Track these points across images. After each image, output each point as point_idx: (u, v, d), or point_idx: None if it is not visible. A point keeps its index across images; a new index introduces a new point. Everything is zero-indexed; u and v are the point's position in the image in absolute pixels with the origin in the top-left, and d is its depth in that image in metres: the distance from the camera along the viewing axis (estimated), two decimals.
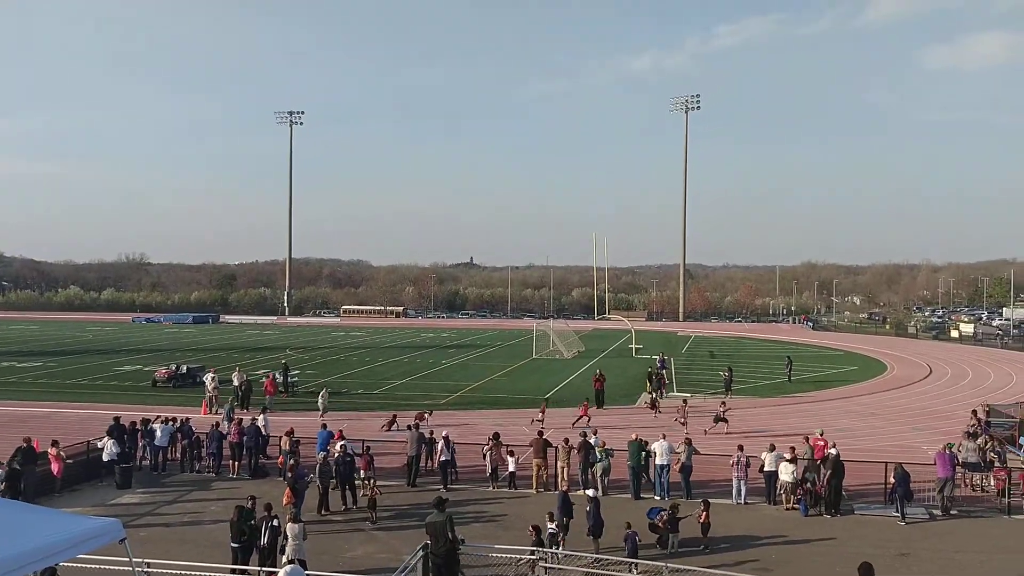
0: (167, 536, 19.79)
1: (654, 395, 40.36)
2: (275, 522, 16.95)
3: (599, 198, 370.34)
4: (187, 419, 28.02)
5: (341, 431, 26.26)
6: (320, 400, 37.00)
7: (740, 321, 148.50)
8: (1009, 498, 22.26)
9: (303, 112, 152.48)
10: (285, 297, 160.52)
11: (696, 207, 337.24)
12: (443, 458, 24.58)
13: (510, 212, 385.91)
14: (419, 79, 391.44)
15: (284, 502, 19.81)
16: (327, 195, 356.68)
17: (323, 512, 21.74)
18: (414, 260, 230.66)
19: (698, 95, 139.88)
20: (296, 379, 46.65)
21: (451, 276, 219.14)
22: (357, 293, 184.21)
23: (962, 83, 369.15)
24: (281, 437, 25.73)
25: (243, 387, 38.87)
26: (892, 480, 21.67)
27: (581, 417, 34.66)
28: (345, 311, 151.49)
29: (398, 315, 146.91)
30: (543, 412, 34.64)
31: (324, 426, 26.91)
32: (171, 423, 27.19)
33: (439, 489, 23.56)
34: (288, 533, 16.70)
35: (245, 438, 26.09)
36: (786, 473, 22.57)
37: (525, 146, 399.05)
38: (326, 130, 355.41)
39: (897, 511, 21.43)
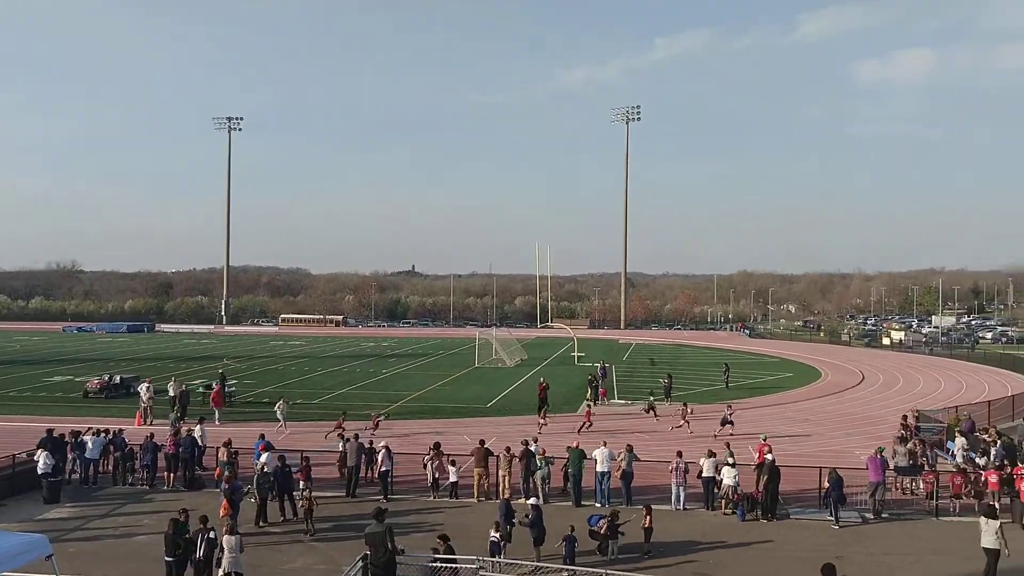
0: (98, 551, 19.24)
1: (591, 403, 40.81)
2: (211, 534, 16.61)
3: (542, 207, 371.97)
4: (120, 430, 27.33)
5: (266, 443, 25.69)
6: (279, 411, 36.20)
7: (679, 329, 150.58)
8: (937, 500, 22.93)
9: (242, 118, 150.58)
10: (223, 306, 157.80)
11: (637, 216, 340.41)
12: (383, 468, 24.38)
13: (453, 220, 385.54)
14: (359, 87, 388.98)
15: (221, 514, 19.44)
16: (266, 202, 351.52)
17: (261, 524, 21.40)
18: (354, 268, 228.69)
19: (638, 106, 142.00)
20: (233, 389, 45.84)
21: (392, 284, 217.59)
22: (296, 302, 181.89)
23: (892, 98, 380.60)
24: (218, 448, 25.25)
25: (180, 397, 38.05)
26: (827, 484, 22.15)
27: (584, 424, 35.26)
28: (284, 320, 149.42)
29: (338, 324, 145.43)
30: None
31: (262, 436, 26.46)
32: (103, 435, 26.48)
33: (379, 499, 23.35)
34: (224, 545, 16.38)
35: (181, 449, 25.53)
36: (729, 477, 22.91)
37: (468, 155, 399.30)
38: (266, 136, 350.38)
39: (831, 515, 21.90)
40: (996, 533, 17.41)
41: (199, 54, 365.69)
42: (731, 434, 33.02)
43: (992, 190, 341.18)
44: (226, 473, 22.02)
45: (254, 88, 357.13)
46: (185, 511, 17.76)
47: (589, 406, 40.00)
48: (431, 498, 24.15)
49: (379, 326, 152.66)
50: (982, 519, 17.96)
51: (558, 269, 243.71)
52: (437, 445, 25.40)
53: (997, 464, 24.80)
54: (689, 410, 36.53)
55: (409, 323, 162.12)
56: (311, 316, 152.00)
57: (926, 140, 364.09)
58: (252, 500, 22.08)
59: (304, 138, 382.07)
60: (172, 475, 25.46)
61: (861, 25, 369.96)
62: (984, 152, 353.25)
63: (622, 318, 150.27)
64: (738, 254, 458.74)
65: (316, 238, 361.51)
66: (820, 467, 23.38)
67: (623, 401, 45.80)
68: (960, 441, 27.77)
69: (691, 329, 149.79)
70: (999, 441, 27.40)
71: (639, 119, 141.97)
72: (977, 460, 26.81)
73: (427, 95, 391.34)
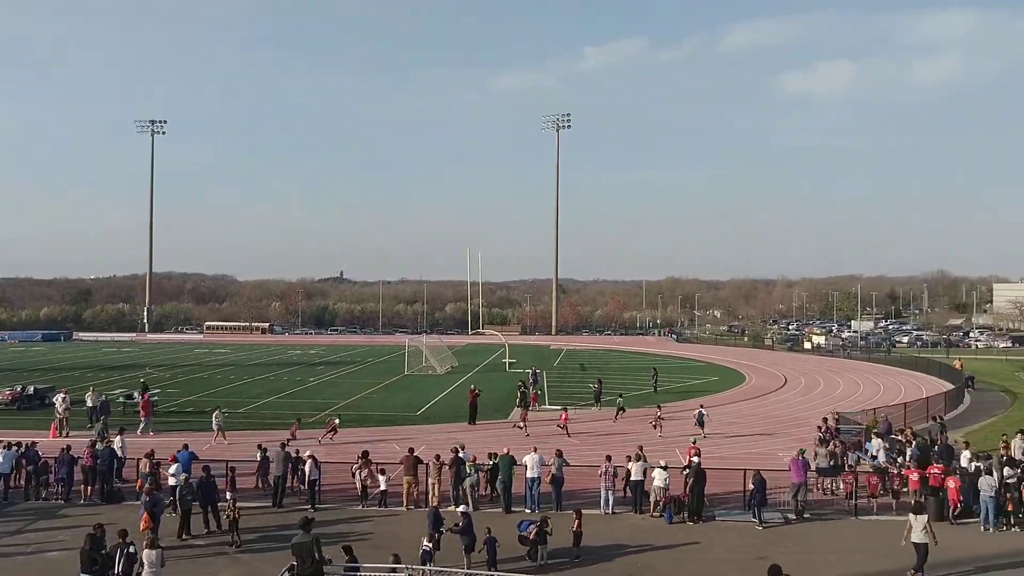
0: (8, 569, 18.47)
1: (521, 408, 40.93)
2: (131, 549, 16.11)
3: (474, 213, 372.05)
4: (33, 443, 26.31)
5: (190, 453, 25.05)
6: (215, 420, 35.29)
7: (609, 334, 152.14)
8: (856, 500, 23.60)
9: (165, 122, 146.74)
10: (145, 313, 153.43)
11: (568, 223, 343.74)
12: (311, 477, 24.01)
13: (382, 226, 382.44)
14: (287, 90, 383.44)
15: (141, 527, 18.89)
16: (191, 207, 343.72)
17: (184, 536, 20.84)
18: (281, 275, 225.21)
19: (568, 114, 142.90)
20: (156, 399, 44.58)
21: (320, 291, 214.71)
22: (221, 309, 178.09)
23: (814, 109, 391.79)
24: (139, 459, 24.52)
25: (100, 408, 36.85)
26: (751, 486, 22.60)
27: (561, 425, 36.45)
28: (209, 327, 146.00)
29: (264, 331, 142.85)
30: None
31: (186, 447, 25.77)
32: (14, 448, 25.45)
33: (306, 509, 22.97)
34: (145, 560, 15.90)
35: (98, 461, 24.70)
36: (659, 479, 23.20)
37: (399, 160, 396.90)
38: (191, 141, 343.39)
39: (755, 516, 22.35)
40: (924, 528, 18.24)
41: (124, 58, 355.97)
42: (660, 436, 33.60)
43: (909, 199, 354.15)
44: (147, 485, 21.40)
45: (179, 92, 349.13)
46: (101, 525, 17.18)
47: (620, 406, 41.24)
48: (360, 507, 23.87)
49: (306, 333, 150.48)
50: (911, 515, 18.77)
51: (489, 275, 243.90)
52: (365, 454, 25.16)
53: (914, 463, 25.64)
54: (660, 413, 37.64)
55: (337, 330, 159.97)
56: (237, 323, 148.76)
57: (846, 150, 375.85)
58: (173, 513, 21.51)
59: (231, 142, 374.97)
60: (89, 488, 24.60)
61: (785, 38, 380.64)
62: (902, 162, 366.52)
63: (553, 324, 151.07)
64: (666, 261, 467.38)
65: (242, 244, 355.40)
66: (744, 469, 23.85)
67: (555, 407, 45.95)
68: (877, 442, 28.65)
69: (621, 334, 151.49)
70: (914, 442, 28.36)
71: (569, 127, 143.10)
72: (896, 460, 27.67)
73: (357, 99, 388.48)
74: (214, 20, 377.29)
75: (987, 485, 22.04)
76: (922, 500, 21.54)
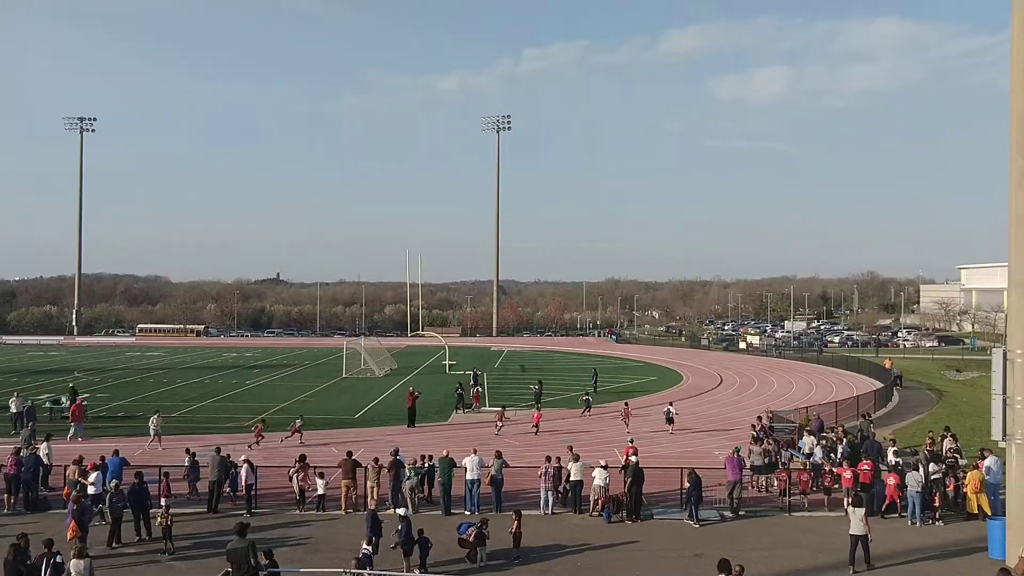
0: None
1: (463, 410, 40.93)
2: (58, 559, 15.63)
3: (413, 214, 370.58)
4: None
5: (95, 462, 24.38)
6: (152, 425, 34.42)
7: (550, 335, 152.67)
8: (790, 497, 24.10)
9: (95, 119, 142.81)
10: (74, 315, 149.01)
11: (508, 224, 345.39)
12: (248, 482, 23.59)
13: (319, 227, 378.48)
14: (225, 89, 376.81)
15: (68, 536, 18.32)
16: (123, 208, 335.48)
17: (114, 545, 20.28)
18: (216, 276, 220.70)
19: (508, 115, 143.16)
20: (85, 403, 43.29)
21: (256, 293, 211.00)
22: (154, 311, 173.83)
23: (749, 113, 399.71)
24: (67, 466, 23.79)
25: (26, 413, 35.68)
26: (687, 484, 22.90)
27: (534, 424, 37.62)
28: (141, 330, 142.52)
29: (199, 334, 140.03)
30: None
31: (116, 452, 25.09)
32: None
33: (243, 514, 22.57)
34: (72, 570, 15.45)
35: (23, 469, 23.87)
36: (600, 478, 23.36)
37: (337, 159, 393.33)
38: (123, 140, 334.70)
39: (691, 515, 22.64)
40: (862, 520, 18.93)
41: (48, 50, 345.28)
42: (671, 432, 34.28)
43: (840, 202, 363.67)
44: (74, 493, 20.77)
45: (109, 89, 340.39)
46: (24, 535, 16.65)
47: (587, 402, 42.78)
48: (297, 511, 23.54)
49: (242, 336, 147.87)
50: (850, 508, 19.63)
51: (430, 277, 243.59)
52: (303, 457, 24.84)
53: (846, 461, 26.28)
54: (627, 409, 39.60)
55: (274, 333, 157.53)
56: (170, 326, 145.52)
57: (779, 154, 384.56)
58: (102, 522, 20.91)
59: (164, 141, 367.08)
60: (12, 497, 23.76)
61: (721, 44, 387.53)
62: (833, 166, 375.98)
63: (494, 325, 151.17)
64: (606, 262, 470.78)
65: (176, 245, 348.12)
66: (681, 468, 24.17)
67: (494, 408, 45.94)
68: (808, 440, 29.30)
69: (561, 335, 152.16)
70: (844, 439, 29.09)
71: (509, 128, 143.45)
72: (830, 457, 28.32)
73: (295, 98, 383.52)
74: (150, 16, 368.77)
75: (913, 481, 22.71)
76: (861, 494, 22.10)
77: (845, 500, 24.18)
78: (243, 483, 23.66)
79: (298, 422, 35.85)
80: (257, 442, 33.46)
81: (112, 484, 21.75)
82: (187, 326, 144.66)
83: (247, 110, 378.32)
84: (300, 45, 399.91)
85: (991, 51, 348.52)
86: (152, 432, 33.94)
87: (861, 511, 19.18)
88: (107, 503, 20.92)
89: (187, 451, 26.01)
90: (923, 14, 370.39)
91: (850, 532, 19.02)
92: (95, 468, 23.02)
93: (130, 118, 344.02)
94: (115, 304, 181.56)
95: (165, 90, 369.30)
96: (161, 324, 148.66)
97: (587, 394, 45.70)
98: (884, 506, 23.37)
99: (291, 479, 24.26)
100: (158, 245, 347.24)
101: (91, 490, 21.79)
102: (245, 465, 23.78)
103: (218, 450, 24.91)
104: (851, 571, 18.59)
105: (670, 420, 37.88)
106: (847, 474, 24.32)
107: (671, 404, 39.66)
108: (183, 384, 59.62)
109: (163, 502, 21.28)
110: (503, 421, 38.37)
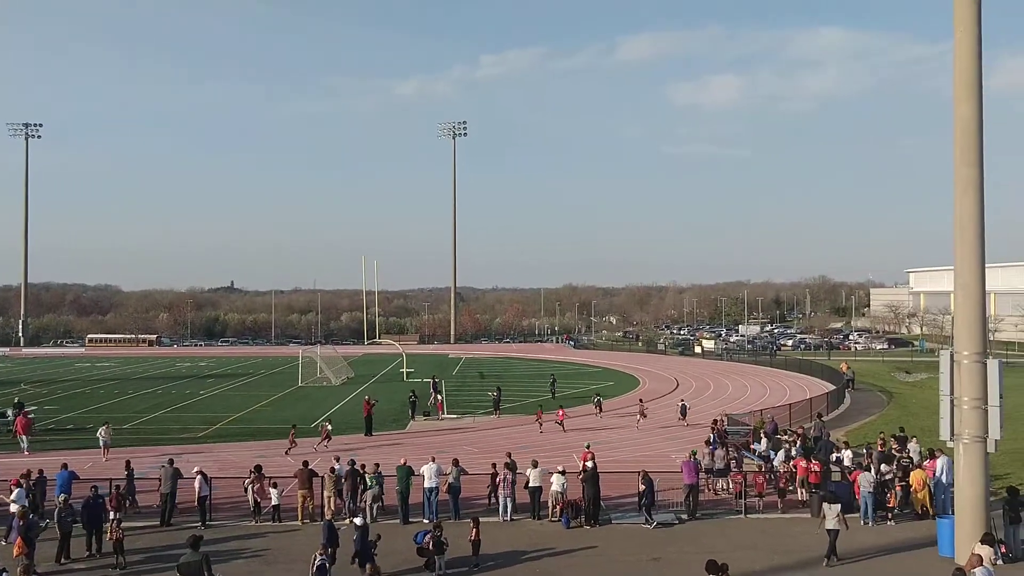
0: None
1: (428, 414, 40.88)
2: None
3: (369, 221, 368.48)
4: None
5: (29, 473, 23.83)
6: (101, 436, 33.65)
7: (508, 342, 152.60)
8: (745, 499, 24.37)
9: (41, 125, 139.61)
10: (20, 326, 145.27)
11: (466, 231, 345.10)
12: (201, 494, 23.20)
13: (274, 234, 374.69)
14: (175, 94, 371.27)
15: (15, 553, 17.86)
16: (71, 215, 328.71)
17: (63, 561, 19.79)
18: (169, 285, 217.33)
19: (464, 122, 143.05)
20: (32, 416, 42.31)
21: (210, 301, 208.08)
22: (105, 321, 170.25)
23: (704, 119, 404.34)
24: (13, 480, 23.17)
25: None
26: (642, 487, 23.03)
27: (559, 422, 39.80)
28: (91, 340, 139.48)
29: (151, 344, 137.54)
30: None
31: (65, 466, 24.51)
32: None
33: (197, 526, 22.20)
34: None
35: None
36: (557, 483, 23.41)
37: (291, 165, 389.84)
38: (72, 146, 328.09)
39: (646, 518, 22.76)
40: (837, 516, 19.71)
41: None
42: (638, 428, 33.91)
43: (793, 208, 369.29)
44: (19, 508, 20.24)
45: (57, 94, 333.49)
46: None
47: (540, 408, 42.94)
48: (252, 523, 23.21)
49: (196, 345, 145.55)
50: (825, 504, 20.26)
51: (386, 284, 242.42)
52: (258, 468, 24.48)
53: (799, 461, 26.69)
54: (642, 407, 42.95)
55: (228, 341, 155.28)
56: (122, 336, 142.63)
57: (733, 159, 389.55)
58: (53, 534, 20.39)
59: (115, 147, 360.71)
60: None
61: (676, 50, 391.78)
62: (785, 172, 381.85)
63: (452, 332, 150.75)
64: (564, 268, 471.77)
65: (127, 253, 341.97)
66: (639, 471, 24.31)
67: (454, 415, 45.89)
68: (762, 442, 29.69)
69: (520, 342, 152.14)
70: (797, 441, 29.50)
71: (466, 134, 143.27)
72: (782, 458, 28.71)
73: (248, 104, 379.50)
74: (96, 21, 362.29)
75: (865, 481, 23.11)
76: (833, 491, 22.52)
77: (800, 493, 24.69)
78: (197, 494, 23.27)
79: (328, 426, 36.29)
80: (290, 448, 33.56)
81: (60, 498, 21.24)
82: (139, 336, 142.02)
83: (200, 114, 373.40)
84: (256, 49, 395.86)
85: (933, 60, 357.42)
86: (102, 443, 33.29)
87: (837, 507, 19.91)
88: (56, 518, 20.41)
89: (126, 464, 25.58)
90: (866, 24, 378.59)
91: (826, 527, 19.69)
92: (17, 485, 22.37)
93: (77, 124, 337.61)
94: (63, 314, 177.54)
95: (115, 95, 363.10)
96: (112, 334, 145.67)
97: (598, 395, 48.69)
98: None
99: (246, 490, 23.92)
100: (108, 254, 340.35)
101: (13, 508, 20.98)
102: (199, 476, 23.39)
103: (171, 461, 24.48)
104: (824, 563, 19.25)
105: (684, 413, 42.08)
106: (802, 463, 24.79)
107: (683, 399, 45.09)
108: (135, 395, 58.51)
109: (112, 516, 20.85)
110: (542, 420, 40.79)
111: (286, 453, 32.91)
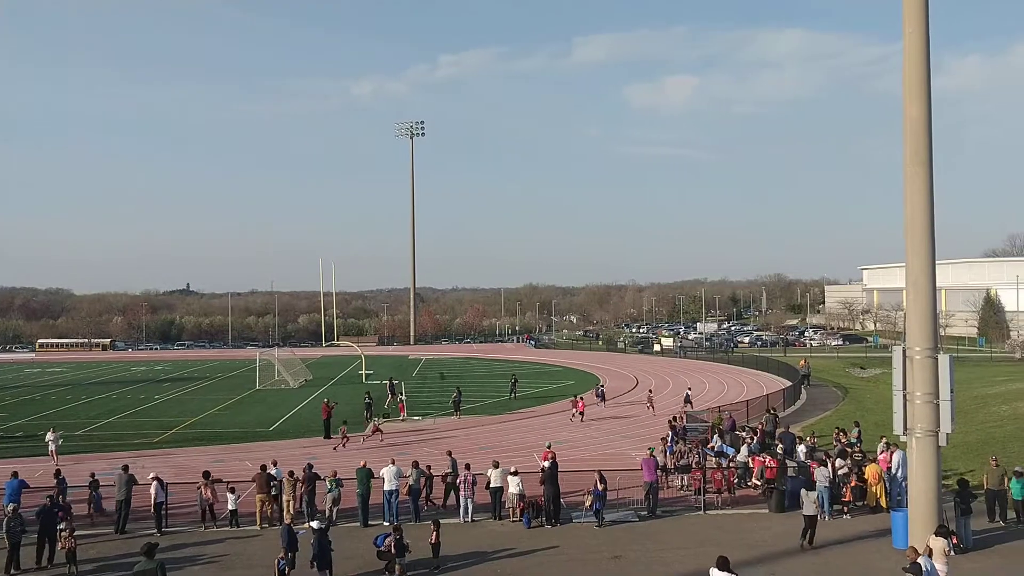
0: None
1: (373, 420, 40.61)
2: None
3: (327, 222, 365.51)
4: None
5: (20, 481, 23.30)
6: (50, 442, 32.88)
7: (469, 342, 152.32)
8: (704, 496, 24.58)
9: None
10: None
11: (425, 231, 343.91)
12: (157, 500, 22.78)
13: (230, 236, 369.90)
14: (129, 96, 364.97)
15: None
16: (21, 218, 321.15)
17: (12, 571, 19.31)
18: (123, 288, 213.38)
19: (423, 121, 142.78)
20: None
21: (165, 304, 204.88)
22: (56, 325, 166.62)
23: (660, 120, 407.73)
24: None
25: None
26: (600, 485, 23.09)
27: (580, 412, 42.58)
28: (42, 345, 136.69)
29: (105, 348, 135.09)
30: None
31: (15, 474, 23.91)
32: None
33: (152, 534, 21.81)
34: None
35: None
36: (513, 485, 23.40)
37: (246, 166, 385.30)
38: (19, 147, 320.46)
39: (596, 517, 22.80)
40: (815, 503, 20.98)
41: None
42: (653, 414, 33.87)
43: (749, 207, 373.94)
44: None
45: (5, 95, 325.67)
46: None
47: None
48: (205, 529, 22.81)
49: (151, 349, 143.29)
50: (803, 491, 21.37)
51: (345, 285, 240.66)
52: (206, 474, 23.99)
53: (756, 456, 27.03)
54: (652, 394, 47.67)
55: (185, 345, 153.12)
56: (74, 340, 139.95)
57: (691, 160, 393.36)
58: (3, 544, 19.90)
59: (65, 146, 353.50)
60: None
61: (633, 52, 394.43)
62: (741, 172, 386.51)
63: (412, 333, 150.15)
64: (524, 268, 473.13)
65: (78, 256, 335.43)
66: (599, 470, 24.40)
67: (417, 417, 45.67)
68: (716, 438, 30.01)
69: (480, 342, 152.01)
70: (755, 438, 29.85)
71: (423, 134, 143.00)
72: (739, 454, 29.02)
73: (203, 105, 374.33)
74: (53, 24, 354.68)
75: (821, 476, 23.43)
76: (788, 487, 23.19)
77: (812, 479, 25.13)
78: (152, 501, 22.85)
79: (376, 421, 39.02)
80: (344, 444, 35.57)
81: (10, 508, 20.72)
82: (92, 340, 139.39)
83: (153, 116, 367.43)
84: (210, 49, 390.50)
85: (886, 61, 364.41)
86: (51, 449, 32.64)
87: (814, 494, 21.18)
88: (4, 528, 19.92)
89: (91, 475, 25.02)
90: (827, 26, 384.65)
91: (803, 513, 20.78)
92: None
93: (27, 125, 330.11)
94: (12, 318, 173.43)
95: (65, 94, 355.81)
96: (64, 339, 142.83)
97: (601, 384, 51.72)
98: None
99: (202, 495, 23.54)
100: (59, 257, 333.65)
101: None
102: (155, 482, 22.97)
103: (125, 468, 24.01)
104: (801, 545, 20.27)
105: (688, 401, 46.48)
106: (759, 458, 25.16)
107: (689, 388, 51.19)
108: (88, 400, 57.36)
109: (63, 524, 20.40)
110: (576, 408, 43.39)
111: (335, 448, 35.21)
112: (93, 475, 24.72)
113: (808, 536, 20.41)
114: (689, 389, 51.20)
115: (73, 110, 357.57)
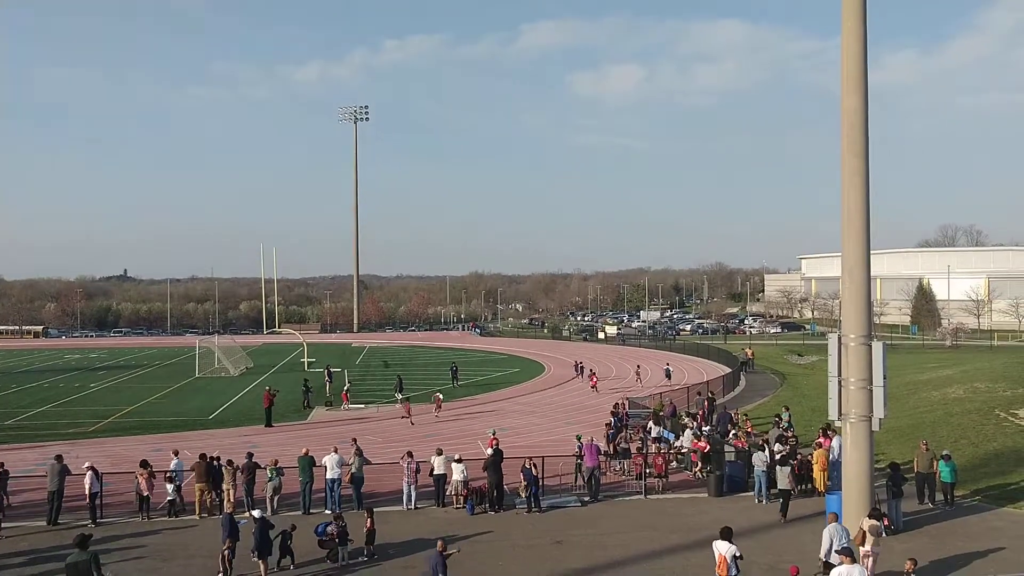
0: None
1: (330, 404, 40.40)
2: None
3: (268, 207, 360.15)
4: None
5: None
6: None
7: (414, 330, 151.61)
8: (645, 480, 24.90)
9: None
10: None
11: (369, 218, 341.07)
12: (92, 490, 22.24)
13: (169, 222, 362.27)
14: (64, 79, 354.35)
15: None
16: None
17: None
18: (57, 273, 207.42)
19: (367, 106, 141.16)
20: None
21: (101, 290, 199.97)
22: None
23: (604, 109, 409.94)
24: None
25: None
26: (535, 471, 23.22)
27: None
28: None
29: (37, 335, 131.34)
30: None
31: None
32: None
33: (87, 524, 21.32)
34: None
35: None
36: (457, 472, 23.42)
37: (185, 152, 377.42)
38: None
39: (533, 502, 22.96)
40: (788, 477, 22.23)
41: None
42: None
43: (690, 197, 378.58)
44: None
45: None
46: None
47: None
48: (142, 519, 22.35)
49: (86, 336, 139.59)
50: (778, 467, 22.60)
51: (287, 272, 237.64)
52: (144, 463, 23.50)
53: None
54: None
55: (121, 332, 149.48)
56: (4, 328, 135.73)
57: (632, 150, 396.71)
58: None
59: None
60: None
61: (577, 40, 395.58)
62: (683, 162, 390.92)
63: (355, 321, 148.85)
64: (469, 256, 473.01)
65: (9, 239, 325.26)
66: (543, 456, 24.53)
67: (360, 404, 45.34)
68: (652, 424, 30.46)
69: (425, 330, 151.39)
70: (695, 423, 30.32)
71: (367, 119, 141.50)
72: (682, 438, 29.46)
73: (136, 87, 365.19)
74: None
75: (759, 460, 23.90)
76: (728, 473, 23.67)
77: (695, 471, 25.66)
78: (87, 491, 22.29)
79: (439, 395, 41.93)
80: (411, 421, 38.15)
81: None
82: (23, 327, 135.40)
83: (88, 99, 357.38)
84: (148, 33, 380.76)
85: (825, 53, 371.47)
86: None
87: (787, 469, 22.42)
88: None
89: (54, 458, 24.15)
90: (762, 18, 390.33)
91: (780, 487, 22.24)
92: None
93: None
94: None
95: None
96: None
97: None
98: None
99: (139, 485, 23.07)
100: None
101: None
102: (89, 472, 22.42)
103: (59, 458, 23.34)
104: (782, 520, 21.64)
105: (668, 375, 52.87)
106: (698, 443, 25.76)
107: (668, 364, 56.61)
108: (19, 389, 55.68)
109: None
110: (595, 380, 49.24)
111: (411, 423, 37.85)
112: (2, 464, 23.81)
113: (784, 510, 21.80)
114: (668, 364, 57.75)
115: (3, 93, 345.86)
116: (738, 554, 15.44)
